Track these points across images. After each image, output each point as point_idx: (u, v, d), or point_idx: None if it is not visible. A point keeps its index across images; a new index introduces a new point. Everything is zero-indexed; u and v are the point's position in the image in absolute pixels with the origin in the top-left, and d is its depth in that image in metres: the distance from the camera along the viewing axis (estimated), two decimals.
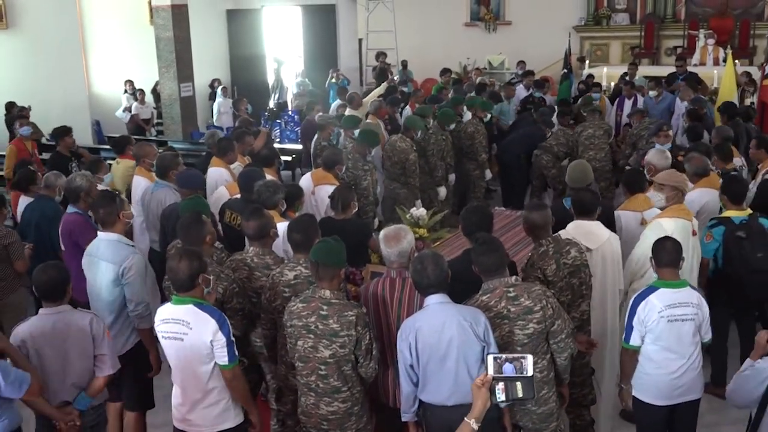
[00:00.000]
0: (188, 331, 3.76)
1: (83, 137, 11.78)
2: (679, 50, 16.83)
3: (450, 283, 3.80)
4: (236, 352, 3.88)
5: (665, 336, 4.16)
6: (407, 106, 10.76)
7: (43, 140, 11.01)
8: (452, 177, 9.04)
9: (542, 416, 3.97)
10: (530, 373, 2.89)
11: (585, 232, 4.92)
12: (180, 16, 12.80)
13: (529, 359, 2.90)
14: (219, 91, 14.54)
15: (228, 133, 10.24)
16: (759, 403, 3.65)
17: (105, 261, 4.67)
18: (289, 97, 16.28)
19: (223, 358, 3.82)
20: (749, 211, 5.44)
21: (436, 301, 3.75)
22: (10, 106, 12.07)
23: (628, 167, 7.82)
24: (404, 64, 16.66)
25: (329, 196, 5.76)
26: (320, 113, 10.02)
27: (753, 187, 6.50)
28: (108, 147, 10.64)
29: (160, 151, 7.53)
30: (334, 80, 15.13)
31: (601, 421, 5.11)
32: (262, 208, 4.88)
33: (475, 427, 2.92)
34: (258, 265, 4.60)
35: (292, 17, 18.44)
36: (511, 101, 11.73)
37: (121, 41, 15.63)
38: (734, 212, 5.41)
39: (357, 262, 5.16)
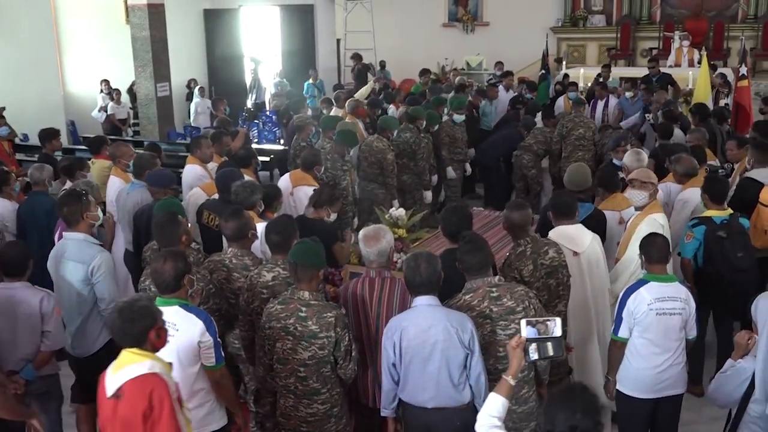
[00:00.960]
0: (175, 333, 3.71)
1: None
2: (654, 51, 17.01)
3: None
4: (223, 353, 3.86)
5: (653, 329, 4.21)
6: (392, 106, 10.77)
7: (17, 140, 10.87)
8: (435, 178, 9.09)
9: (522, 415, 3.97)
10: (559, 333, 3.29)
11: (569, 236, 4.95)
12: (156, 15, 12.69)
13: (557, 321, 3.31)
14: (196, 91, 14.45)
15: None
16: (739, 403, 3.69)
17: (73, 261, 4.66)
18: (267, 98, 16.22)
19: (210, 359, 3.79)
20: (730, 210, 5.47)
21: (425, 302, 3.72)
22: None
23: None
24: (382, 64, 16.66)
25: (312, 193, 5.73)
26: (299, 115, 9.99)
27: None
28: (83, 147, 10.51)
29: (138, 151, 7.45)
30: (311, 81, 15.11)
31: None
32: (241, 208, 4.85)
33: (513, 383, 3.25)
34: (236, 266, 4.57)
35: (270, 17, 18.36)
36: (494, 102, 11.80)
37: (97, 40, 15.48)
38: (715, 212, 5.44)
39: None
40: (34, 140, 9.60)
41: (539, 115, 10.21)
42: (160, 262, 3.78)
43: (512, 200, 4.94)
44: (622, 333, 4.29)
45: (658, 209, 5.47)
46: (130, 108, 14.86)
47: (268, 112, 12.86)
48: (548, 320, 3.31)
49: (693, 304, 4.33)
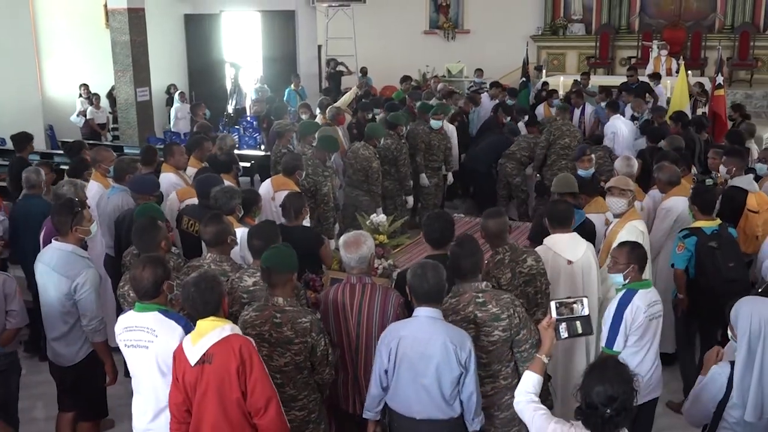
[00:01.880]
0: (154, 339, 3.67)
1: (36, 142, 11.49)
2: (633, 60, 17.19)
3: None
4: None
5: (649, 334, 4.25)
6: (381, 112, 10.78)
7: None
8: (411, 183, 9.06)
9: (504, 421, 3.98)
10: (587, 312, 3.58)
11: (564, 244, 4.97)
12: (137, 19, 12.61)
13: (585, 302, 3.60)
14: (176, 96, 14.35)
15: (185, 139, 10.11)
16: (715, 408, 3.71)
17: (58, 274, 4.62)
18: (248, 103, 16.16)
19: None
20: (719, 221, 5.49)
21: (427, 314, 3.67)
22: None
23: None
24: (364, 71, 16.67)
25: (280, 205, 5.70)
26: (279, 121, 9.96)
27: None
28: (61, 152, 10.42)
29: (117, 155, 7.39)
30: (293, 87, 15.08)
31: None
32: (221, 214, 4.83)
33: (546, 360, 3.48)
34: (215, 271, 4.52)
35: (251, 23, 18.32)
36: (476, 110, 11.85)
37: (76, 44, 15.33)
38: (704, 222, 5.45)
39: (304, 270, 5.06)
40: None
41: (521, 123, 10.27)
42: (138, 269, 3.75)
43: (489, 209, 4.92)
44: (617, 346, 4.25)
45: (636, 216, 5.53)
46: (110, 113, 14.74)
47: (248, 118, 12.83)
48: (576, 301, 3.60)
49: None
